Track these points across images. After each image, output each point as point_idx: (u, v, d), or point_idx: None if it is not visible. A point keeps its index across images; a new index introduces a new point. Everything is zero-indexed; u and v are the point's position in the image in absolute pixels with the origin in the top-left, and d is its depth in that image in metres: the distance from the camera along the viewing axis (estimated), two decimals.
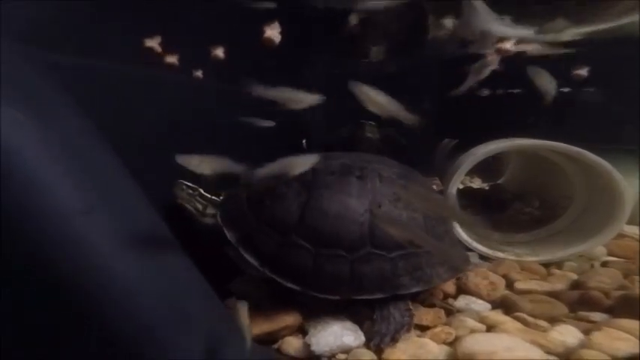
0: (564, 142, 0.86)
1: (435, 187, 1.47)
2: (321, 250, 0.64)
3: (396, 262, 0.65)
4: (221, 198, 0.74)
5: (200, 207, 0.72)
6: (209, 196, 0.73)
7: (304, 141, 1.32)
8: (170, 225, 0.56)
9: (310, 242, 0.64)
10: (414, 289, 0.65)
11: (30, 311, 0.42)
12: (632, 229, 0.96)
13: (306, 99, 0.52)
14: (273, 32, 0.79)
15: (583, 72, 1.07)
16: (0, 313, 0.42)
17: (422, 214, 0.69)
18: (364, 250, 0.64)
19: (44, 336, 0.42)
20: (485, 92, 1.26)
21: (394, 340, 0.59)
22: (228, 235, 0.66)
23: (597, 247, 0.87)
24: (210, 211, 0.72)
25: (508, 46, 0.98)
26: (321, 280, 0.63)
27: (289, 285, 0.63)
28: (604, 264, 0.84)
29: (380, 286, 0.64)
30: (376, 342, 0.59)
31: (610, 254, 0.89)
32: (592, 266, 0.84)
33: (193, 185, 0.71)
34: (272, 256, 0.64)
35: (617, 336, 0.56)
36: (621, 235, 0.94)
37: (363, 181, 0.68)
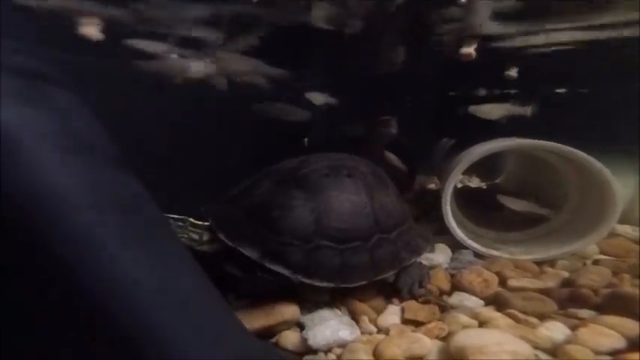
0: (559, 143, 0.88)
1: (433, 185, 1.49)
2: (345, 245, 0.70)
3: (396, 241, 0.76)
4: (212, 221, 0.70)
5: (196, 236, 0.71)
6: (200, 222, 0.71)
7: (306, 140, 1.32)
8: None
9: (334, 241, 0.69)
10: (413, 260, 0.77)
11: (31, 306, 0.43)
12: (624, 229, 0.98)
13: None
14: None
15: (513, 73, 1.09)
16: (1, 307, 0.43)
17: (395, 197, 0.81)
18: (376, 237, 0.73)
19: (44, 332, 0.44)
20: (483, 92, 1.28)
21: (422, 286, 0.75)
22: (248, 253, 0.65)
23: (589, 246, 0.89)
24: (206, 237, 0.71)
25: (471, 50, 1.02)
26: (350, 272, 0.69)
27: (324, 285, 0.67)
28: (595, 262, 0.86)
29: (391, 264, 0.74)
30: (407, 290, 0.74)
31: (602, 253, 0.90)
32: (584, 264, 0.85)
33: (181, 217, 0.70)
34: (302, 263, 0.67)
35: (601, 332, 0.59)
36: (614, 235, 0.96)
37: (354, 179, 0.75)
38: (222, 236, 0.66)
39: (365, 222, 0.72)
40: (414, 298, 0.73)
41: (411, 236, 0.80)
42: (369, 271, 0.71)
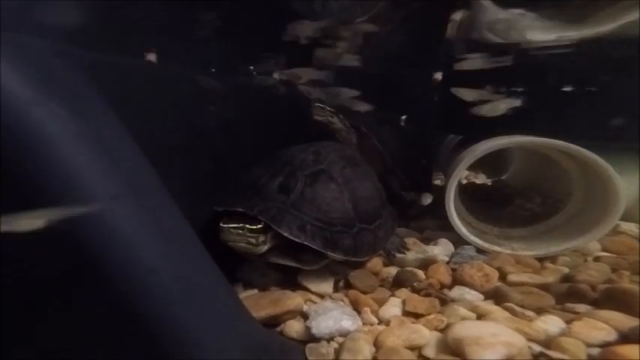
0: (564, 140, 0.88)
1: (439, 181, 1.50)
2: (374, 224, 0.84)
3: (388, 216, 0.93)
4: (273, 223, 0.73)
5: (253, 240, 0.72)
6: (255, 227, 0.73)
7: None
8: None
9: (367, 223, 0.83)
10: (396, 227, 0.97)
11: (53, 291, 0.46)
12: (628, 226, 0.99)
13: None
14: None
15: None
16: (25, 292, 0.46)
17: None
18: (384, 214, 0.90)
19: (65, 316, 0.47)
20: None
21: (401, 252, 0.91)
22: (314, 245, 0.73)
23: (591, 243, 0.90)
24: (262, 239, 0.73)
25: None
26: (378, 245, 0.85)
27: (364, 259, 0.81)
28: (596, 259, 0.87)
29: (392, 233, 0.93)
30: (395, 251, 0.90)
31: (604, 250, 0.91)
32: (585, 261, 0.87)
33: (238, 224, 0.72)
34: (352, 246, 0.78)
35: (594, 325, 0.60)
36: (617, 232, 0.97)
37: (360, 166, 0.91)
38: (287, 234, 0.72)
39: (379, 202, 0.89)
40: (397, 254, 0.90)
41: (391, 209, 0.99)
42: (384, 241, 0.87)
